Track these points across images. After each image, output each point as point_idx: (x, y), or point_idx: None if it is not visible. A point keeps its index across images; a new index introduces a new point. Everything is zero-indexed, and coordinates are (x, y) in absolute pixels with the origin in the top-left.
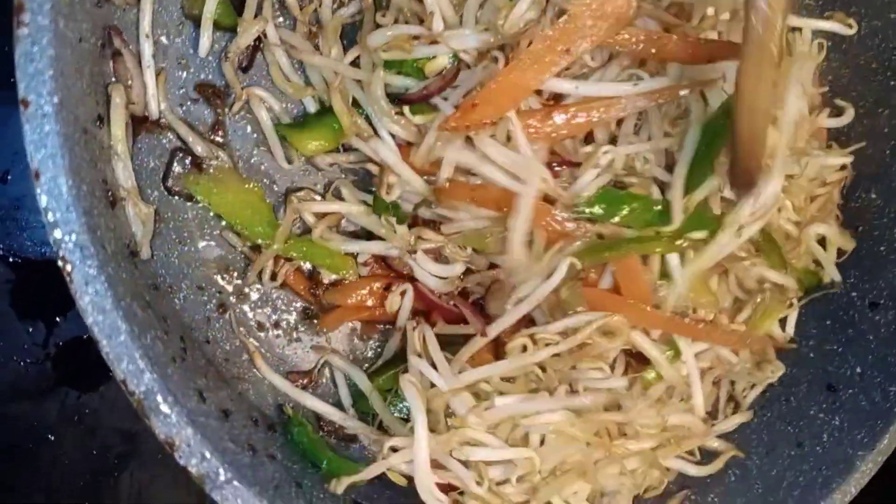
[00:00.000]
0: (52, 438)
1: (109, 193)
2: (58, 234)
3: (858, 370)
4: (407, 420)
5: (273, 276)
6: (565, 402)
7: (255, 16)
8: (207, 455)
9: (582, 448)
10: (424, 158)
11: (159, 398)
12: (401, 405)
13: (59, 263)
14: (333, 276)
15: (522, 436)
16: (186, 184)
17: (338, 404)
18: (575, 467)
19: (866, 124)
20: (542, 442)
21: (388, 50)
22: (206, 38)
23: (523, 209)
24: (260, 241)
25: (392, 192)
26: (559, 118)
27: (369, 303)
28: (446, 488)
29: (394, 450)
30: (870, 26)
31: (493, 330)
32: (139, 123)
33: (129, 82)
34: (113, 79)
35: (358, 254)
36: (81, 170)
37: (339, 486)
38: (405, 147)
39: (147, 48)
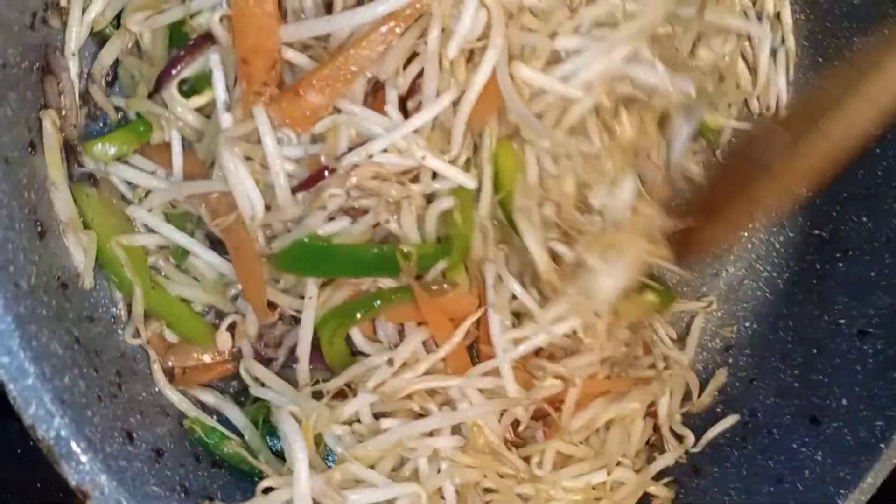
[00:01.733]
0: None
1: (38, 224)
2: None
3: (844, 402)
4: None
5: (136, 334)
6: (448, 417)
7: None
8: (123, 502)
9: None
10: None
11: (72, 444)
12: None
13: None
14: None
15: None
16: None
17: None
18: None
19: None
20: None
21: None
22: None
23: None
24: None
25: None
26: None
27: (206, 358)
28: None
29: (268, 490)
30: (862, 42)
31: None
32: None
33: (64, 106)
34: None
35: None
36: None
37: None
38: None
39: (73, 67)
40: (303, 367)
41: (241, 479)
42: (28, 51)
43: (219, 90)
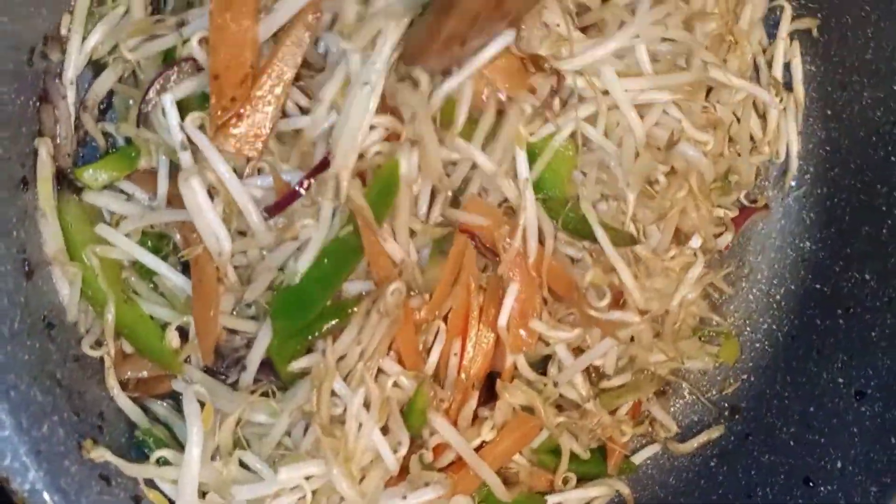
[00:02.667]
0: None
1: (26, 263)
2: None
3: (839, 465)
4: None
5: (98, 344)
6: None
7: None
8: None
9: None
10: None
11: (45, 496)
12: None
13: None
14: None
15: None
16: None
17: None
18: None
19: (864, 199)
20: None
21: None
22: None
23: None
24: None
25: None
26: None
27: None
28: None
29: (162, 462)
30: (872, 98)
31: None
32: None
33: (59, 135)
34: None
35: None
36: None
37: (92, 450)
38: None
39: (70, 94)
40: (247, 376)
41: None
42: (24, 86)
43: (172, 121)
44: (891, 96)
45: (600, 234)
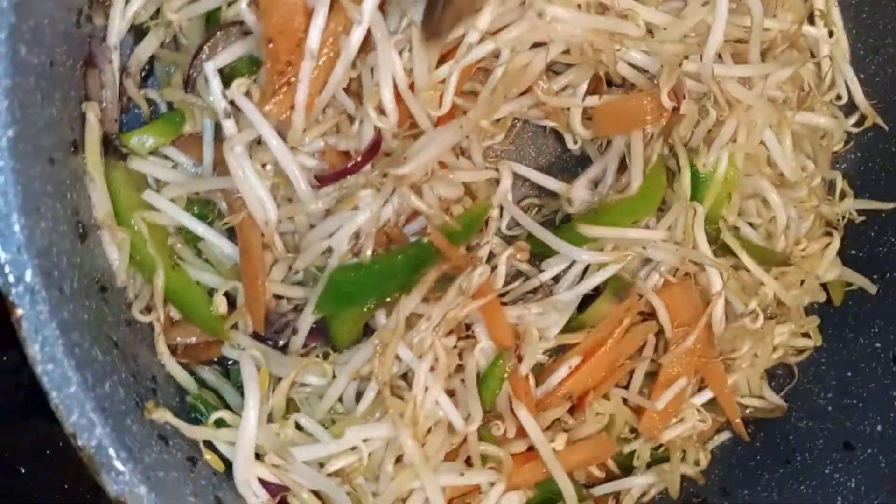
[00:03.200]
0: (24, 471)
1: (80, 225)
2: (7, 276)
3: (879, 428)
4: None
5: (147, 309)
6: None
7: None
8: None
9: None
10: None
11: (111, 453)
12: None
13: (8, 307)
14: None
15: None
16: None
17: None
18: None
19: None
20: None
21: None
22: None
23: None
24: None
25: None
26: None
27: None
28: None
29: (220, 425)
30: None
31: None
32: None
33: (105, 99)
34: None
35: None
36: (41, 205)
37: (154, 411)
38: None
39: (115, 59)
40: (298, 340)
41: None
42: (73, 48)
43: (215, 89)
44: None
45: (747, 259)
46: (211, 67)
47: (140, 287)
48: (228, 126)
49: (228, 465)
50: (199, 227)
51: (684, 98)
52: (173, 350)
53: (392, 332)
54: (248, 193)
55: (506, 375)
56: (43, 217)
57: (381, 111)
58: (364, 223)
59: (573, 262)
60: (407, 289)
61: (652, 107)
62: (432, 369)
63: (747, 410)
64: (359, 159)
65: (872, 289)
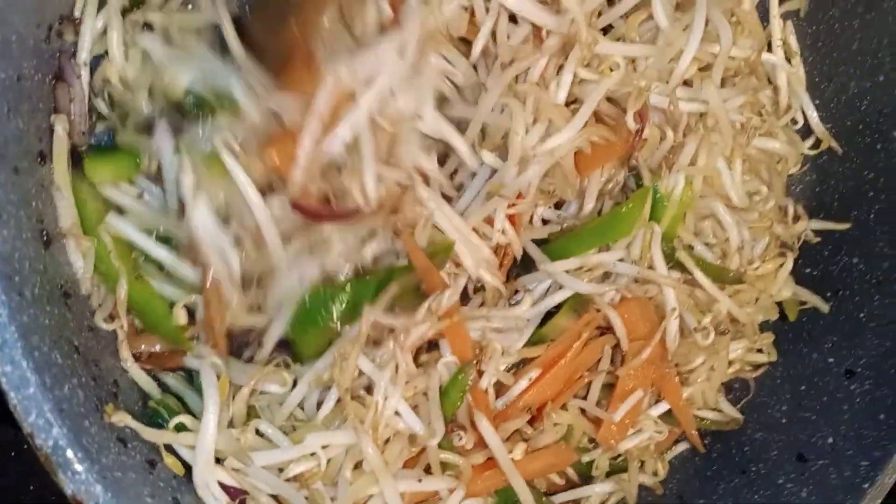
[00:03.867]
0: None
1: (44, 233)
2: None
3: (830, 441)
4: None
5: (111, 317)
6: None
7: None
8: None
9: None
10: None
11: (68, 453)
12: None
13: None
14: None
15: None
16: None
17: None
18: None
19: (851, 186)
20: None
21: None
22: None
23: None
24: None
25: None
26: None
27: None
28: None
29: (180, 429)
30: (858, 88)
31: None
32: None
33: (73, 112)
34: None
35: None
36: (4, 213)
37: (113, 414)
38: None
39: (84, 75)
40: (263, 353)
41: None
42: (42, 63)
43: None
44: (876, 87)
45: (701, 277)
46: (164, 127)
47: (104, 296)
48: (186, 186)
49: (189, 468)
50: (160, 252)
51: (647, 122)
52: (137, 357)
53: (353, 342)
54: (209, 247)
55: (467, 388)
56: (5, 224)
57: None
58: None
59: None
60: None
61: (623, 140)
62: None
63: (704, 422)
64: (339, 211)
65: (825, 307)
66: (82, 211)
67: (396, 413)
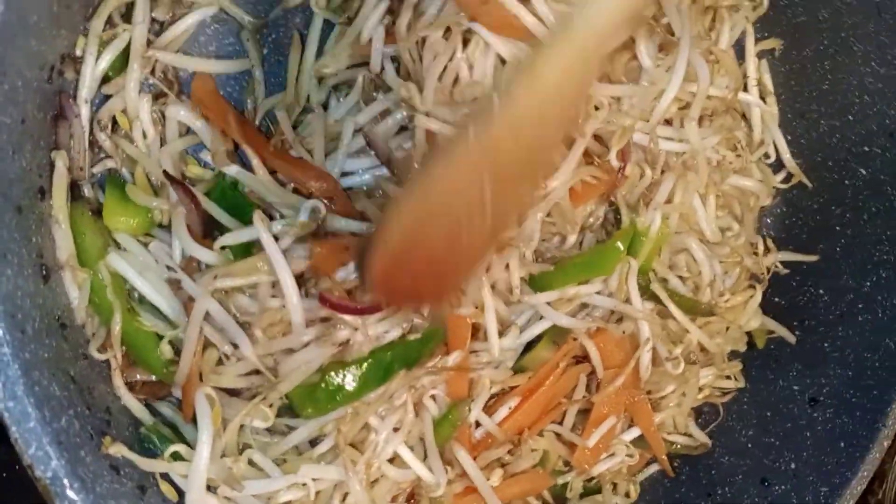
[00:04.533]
0: None
1: (43, 269)
2: None
3: (793, 466)
4: None
5: (103, 348)
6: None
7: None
8: None
9: None
10: None
11: (65, 483)
12: None
13: None
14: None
15: None
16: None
17: None
18: None
19: (819, 220)
20: None
21: None
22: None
23: None
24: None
25: None
26: None
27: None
28: None
29: (175, 458)
30: (828, 125)
31: None
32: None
33: (73, 148)
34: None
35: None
36: (8, 252)
37: (111, 446)
38: None
39: (84, 112)
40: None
41: None
42: (44, 102)
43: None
44: (846, 126)
45: (674, 309)
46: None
47: (97, 326)
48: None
49: (181, 494)
50: (158, 298)
51: (629, 160)
52: (131, 386)
53: (370, 405)
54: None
55: (459, 423)
56: (10, 264)
57: None
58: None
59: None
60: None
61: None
62: (395, 430)
63: (674, 447)
64: (363, 307)
65: (791, 338)
66: (80, 243)
67: (391, 460)
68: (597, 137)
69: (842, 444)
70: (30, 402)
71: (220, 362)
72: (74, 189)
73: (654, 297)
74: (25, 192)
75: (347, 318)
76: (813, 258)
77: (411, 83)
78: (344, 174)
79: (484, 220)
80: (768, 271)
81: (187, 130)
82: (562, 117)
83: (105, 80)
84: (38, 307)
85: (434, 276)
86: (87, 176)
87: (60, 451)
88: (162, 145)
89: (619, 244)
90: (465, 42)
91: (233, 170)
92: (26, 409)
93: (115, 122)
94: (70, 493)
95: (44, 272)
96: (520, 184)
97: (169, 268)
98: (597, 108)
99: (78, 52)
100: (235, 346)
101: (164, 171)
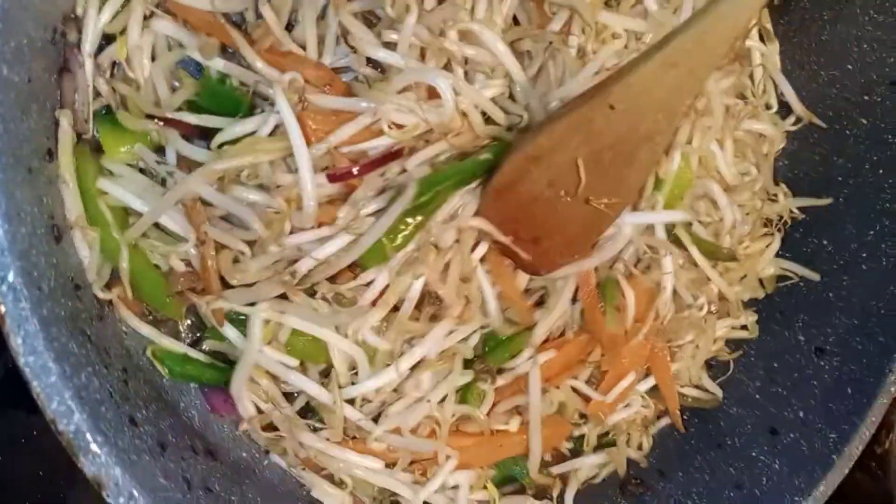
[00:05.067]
0: (1, 459)
1: (55, 228)
2: None
3: (801, 415)
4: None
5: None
6: None
7: None
8: (136, 494)
9: None
10: None
11: (88, 437)
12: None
13: None
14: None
15: None
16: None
17: None
18: None
19: (821, 171)
20: None
21: None
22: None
23: None
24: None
25: None
26: None
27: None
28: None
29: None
30: (828, 76)
31: None
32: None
33: (77, 102)
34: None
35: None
36: (21, 211)
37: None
38: None
39: (88, 65)
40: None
41: (235, 470)
42: (49, 62)
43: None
44: (845, 75)
45: (696, 254)
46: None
47: (101, 265)
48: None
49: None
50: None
51: None
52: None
53: None
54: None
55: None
56: (23, 222)
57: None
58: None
59: None
60: None
61: None
62: None
63: (687, 400)
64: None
65: (815, 276)
66: (87, 197)
67: None
68: None
69: (849, 391)
70: (50, 357)
71: (236, 261)
72: (77, 140)
73: (676, 242)
74: (34, 152)
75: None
76: (827, 201)
77: None
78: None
79: (577, 204)
80: (781, 219)
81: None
82: (676, 109)
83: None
84: (53, 266)
85: (529, 226)
86: (91, 129)
87: (82, 405)
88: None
89: None
90: None
91: (219, 63)
92: (47, 363)
93: (112, 67)
94: (94, 447)
95: (56, 233)
96: (620, 173)
97: (158, 162)
98: (614, 37)
99: (79, 12)
100: (249, 243)
101: (146, 115)
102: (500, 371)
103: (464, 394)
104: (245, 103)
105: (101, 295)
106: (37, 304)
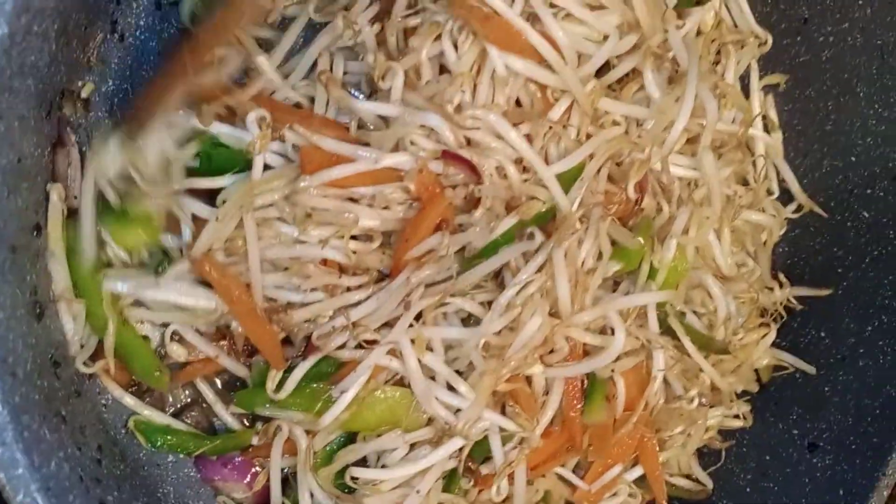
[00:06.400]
0: None
1: (37, 305)
2: None
3: None
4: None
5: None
6: None
7: None
8: None
9: None
10: None
11: None
12: None
13: None
14: None
15: None
16: None
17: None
18: None
19: (821, 261)
20: None
21: None
22: None
23: None
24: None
25: None
26: None
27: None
28: None
29: None
30: (831, 166)
31: None
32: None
33: (69, 177)
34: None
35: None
36: (1, 294)
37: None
38: None
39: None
40: None
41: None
42: (41, 138)
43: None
44: (848, 167)
45: (689, 345)
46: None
47: (87, 338)
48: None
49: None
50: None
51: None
52: None
53: None
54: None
55: None
56: (2, 307)
57: None
58: None
59: None
60: None
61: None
62: None
63: (675, 489)
64: None
65: (812, 370)
66: (75, 271)
67: None
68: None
69: (841, 493)
70: (18, 448)
71: None
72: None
73: (669, 333)
74: (21, 230)
75: None
76: (825, 292)
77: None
78: None
79: None
80: (778, 311)
81: None
82: None
83: None
84: (31, 347)
85: None
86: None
87: (49, 497)
88: None
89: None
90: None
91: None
92: (14, 455)
93: None
94: None
95: (38, 310)
96: None
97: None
98: (615, 123)
99: (76, 88)
100: None
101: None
102: (486, 459)
103: (448, 482)
104: (241, 158)
105: (84, 369)
106: (9, 392)
